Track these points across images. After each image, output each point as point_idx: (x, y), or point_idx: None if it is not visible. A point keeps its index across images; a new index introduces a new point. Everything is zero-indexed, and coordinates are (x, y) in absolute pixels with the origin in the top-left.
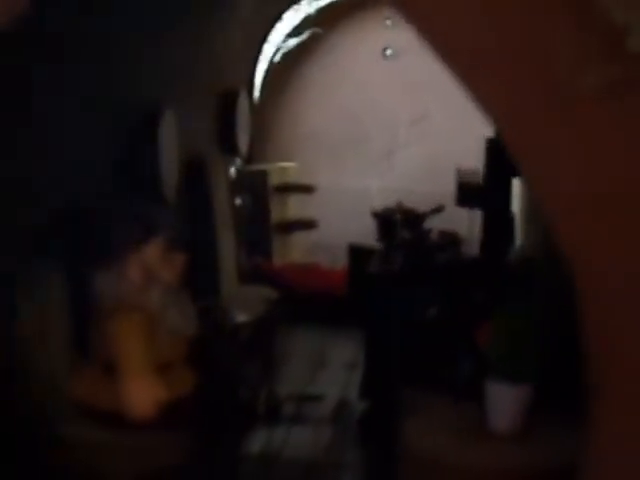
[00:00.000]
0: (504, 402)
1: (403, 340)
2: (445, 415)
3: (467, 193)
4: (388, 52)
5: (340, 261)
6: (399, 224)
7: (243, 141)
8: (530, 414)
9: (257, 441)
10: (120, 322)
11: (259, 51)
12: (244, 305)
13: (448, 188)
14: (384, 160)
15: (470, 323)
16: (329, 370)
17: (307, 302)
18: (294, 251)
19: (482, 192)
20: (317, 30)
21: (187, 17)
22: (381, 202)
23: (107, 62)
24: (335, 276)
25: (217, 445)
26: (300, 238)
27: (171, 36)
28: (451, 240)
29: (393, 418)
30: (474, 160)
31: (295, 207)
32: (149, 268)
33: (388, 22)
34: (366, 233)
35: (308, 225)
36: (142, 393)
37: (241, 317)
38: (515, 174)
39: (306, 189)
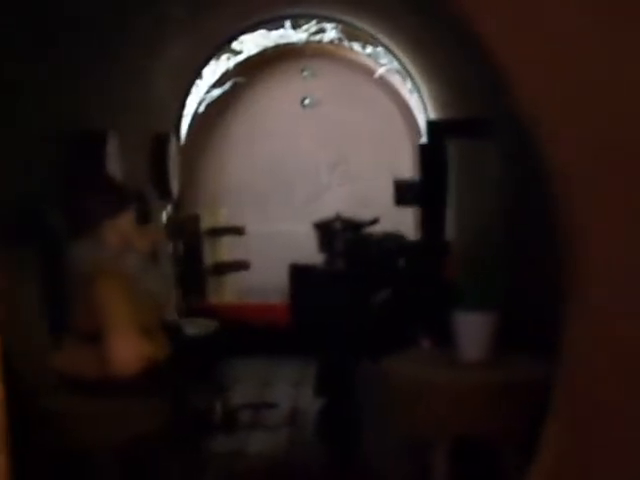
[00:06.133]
0: (474, 331)
1: (360, 326)
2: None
3: (405, 192)
4: (306, 101)
5: (271, 300)
6: (340, 232)
7: (174, 186)
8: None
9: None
10: (103, 283)
11: (184, 101)
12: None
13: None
14: (308, 204)
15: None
16: (276, 388)
17: (246, 335)
18: (228, 292)
19: (419, 190)
20: (240, 80)
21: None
22: (308, 245)
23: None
24: (270, 310)
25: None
26: (233, 280)
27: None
28: (393, 237)
29: (350, 411)
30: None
31: (227, 251)
32: (124, 235)
33: (305, 73)
34: None
35: (241, 266)
36: (127, 348)
37: (191, 330)
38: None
39: (237, 231)
